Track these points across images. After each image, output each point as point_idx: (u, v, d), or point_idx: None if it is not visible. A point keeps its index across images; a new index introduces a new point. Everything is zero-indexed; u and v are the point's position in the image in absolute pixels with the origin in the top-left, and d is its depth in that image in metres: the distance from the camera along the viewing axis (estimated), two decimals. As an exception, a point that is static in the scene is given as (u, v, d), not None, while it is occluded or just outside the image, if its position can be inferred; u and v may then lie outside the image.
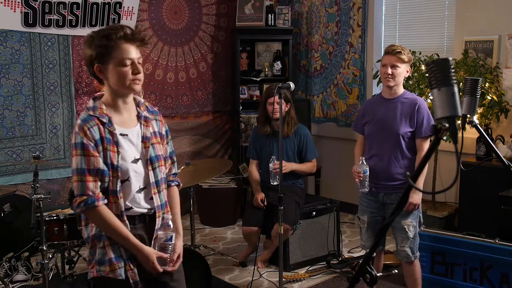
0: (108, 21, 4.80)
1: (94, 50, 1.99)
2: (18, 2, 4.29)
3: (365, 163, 3.09)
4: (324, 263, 4.19)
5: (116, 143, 2.00)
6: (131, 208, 2.05)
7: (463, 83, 2.39)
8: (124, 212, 2.02)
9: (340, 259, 4.23)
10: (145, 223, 2.09)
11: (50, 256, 3.58)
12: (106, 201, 1.98)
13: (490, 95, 4.01)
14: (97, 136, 1.96)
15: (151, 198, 2.09)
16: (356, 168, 3.11)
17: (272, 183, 3.64)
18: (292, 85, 3.24)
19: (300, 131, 4.17)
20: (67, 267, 3.59)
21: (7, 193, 3.91)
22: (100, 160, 1.96)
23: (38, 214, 3.27)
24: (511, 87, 4.20)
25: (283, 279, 3.54)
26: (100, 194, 1.97)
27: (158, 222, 2.09)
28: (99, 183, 1.96)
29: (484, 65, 4.20)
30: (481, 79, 2.33)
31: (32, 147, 4.59)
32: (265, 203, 4.05)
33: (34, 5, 4.38)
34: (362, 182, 3.11)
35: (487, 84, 4.03)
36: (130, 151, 2.04)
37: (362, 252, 4.16)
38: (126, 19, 4.93)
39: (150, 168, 2.07)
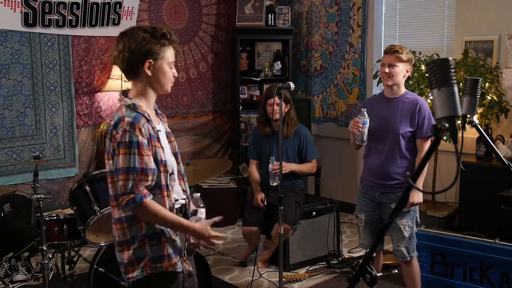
0: (108, 21, 4.80)
1: (152, 46, 1.99)
2: (18, 2, 4.29)
3: (366, 115, 3.01)
4: (324, 263, 4.19)
5: (158, 139, 2.05)
6: (177, 200, 2.14)
7: (463, 83, 2.39)
8: (174, 204, 2.10)
9: (340, 259, 4.23)
10: (183, 213, 2.19)
11: (50, 256, 3.58)
12: (152, 196, 1.99)
13: (490, 95, 4.01)
14: (148, 134, 1.99)
15: (183, 190, 2.21)
16: (356, 118, 3.03)
17: (271, 184, 3.64)
18: (292, 85, 3.23)
19: (300, 132, 4.17)
20: (67, 267, 3.59)
21: (7, 193, 3.91)
22: (152, 159, 1.98)
23: (38, 214, 3.27)
24: (511, 87, 4.20)
25: (283, 279, 3.54)
26: (146, 190, 1.97)
27: (190, 208, 2.22)
28: (148, 182, 1.97)
29: (484, 65, 4.20)
30: (481, 79, 2.33)
31: (32, 147, 4.59)
32: (265, 203, 4.05)
33: (34, 5, 4.38)
34: (360, 134, 3.03)
35: (487, 84, 4.03)
36: (167, 146, 2.13)
37: (362, 252, 4.17)
38: (126, 19, 4.93)
39: (178, 160, 2.19)
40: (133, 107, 2.00)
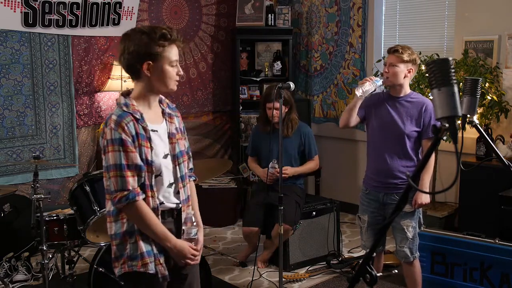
0: (108, 21, 4.80)
1: (150, 48, 2.00)
2: (18, 2, 4.29)
3: (380, 80, 3.07)
4: (324, 263, 4.19)
5: (149, 139, 2.05)
6: (163, 203, 2.10)
7: (463, 83, 2.39)
8: (159, 206, 2.08)
9: (340, 259, 4.23)
10: (173, 218, 2.16)
11: (50, 256, 3.58)
12: (144, 196, 2.02)
13: (490, 95, 4.01)
14: (133, 132, 2.00)
15: (178, 193, 2.16)
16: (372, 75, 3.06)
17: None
18: (292, 85, 3.23)
19: (301, 130, 4.16)
20: (67, 267, 3.58)
21: (7, 193, 3.90)
22: (138, 156, 2.00)
23: (38, 214, 3.27)
24: (511, 87, 4.20)
25: (283, 279, 3.54)
26: (139, 189, 2.00)
27: (184, 216, 2.16)
28: (137, 178, 2.00)
29: (484, 65, 4.20)
30: (481, 79, 2.33)
31: (32, 147, 4.59)
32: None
33: (34, 5, 4.38)
34: (364, 86, 3.02)
35: (487, 84, 4.03)
36: (160, 146, 2.10)
37: (362, 252, 4.16)
38: (126, 19, 4.93)
39: (176, 163, 2.15)
40: (121, 106, 2.04)
